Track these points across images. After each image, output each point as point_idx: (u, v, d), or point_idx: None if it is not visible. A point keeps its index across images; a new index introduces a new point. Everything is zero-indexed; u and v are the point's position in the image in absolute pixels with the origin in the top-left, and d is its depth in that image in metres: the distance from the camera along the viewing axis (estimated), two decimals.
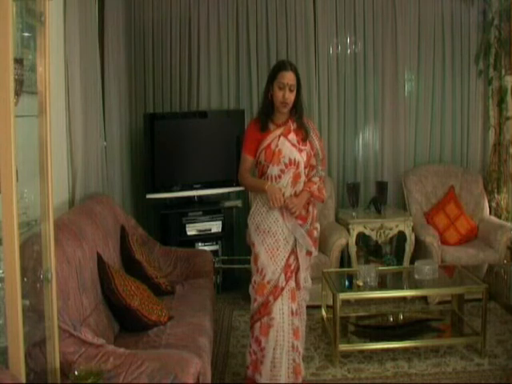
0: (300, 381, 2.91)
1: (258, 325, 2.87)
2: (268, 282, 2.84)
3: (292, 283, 2.89)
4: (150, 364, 2.07)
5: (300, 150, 2.89)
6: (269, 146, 2.86)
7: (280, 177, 2.87)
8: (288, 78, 2.82)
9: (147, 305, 2.83)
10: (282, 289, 2.85)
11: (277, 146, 2.86)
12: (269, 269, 2.84)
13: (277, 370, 2.83)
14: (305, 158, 2.91)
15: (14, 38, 1.67)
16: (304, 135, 2.92)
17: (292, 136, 2.89)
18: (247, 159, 2.94)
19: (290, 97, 2.84)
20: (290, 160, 2.86)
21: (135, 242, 3.40)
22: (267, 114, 2.92)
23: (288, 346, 2.84)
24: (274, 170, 2.86)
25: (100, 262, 2.81)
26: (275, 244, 2.86)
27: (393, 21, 5.09)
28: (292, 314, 2.86)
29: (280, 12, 5.01)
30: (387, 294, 3.87)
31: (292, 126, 2.92)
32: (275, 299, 2.83)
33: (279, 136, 2.88)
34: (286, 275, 2.86)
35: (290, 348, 2.85)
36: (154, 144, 4.55)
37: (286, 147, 2.86)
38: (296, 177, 2.89)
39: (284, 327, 2.83)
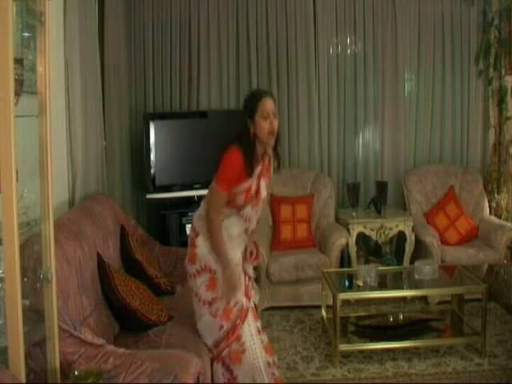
0: None
1: (226, 353, 2.67)
2: (235, 305, 2.66)
3: (252, 302, 2.80)
4: (150, 364, 2.07)
5: (268, 186, 2.79)
6: (249, 189, 2.65)
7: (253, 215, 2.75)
8: (270, 104, 2.63)
9: (147, 305, 2.82)
10: (247, 310, 2.71)
11: (257, 189, 2.68)
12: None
13: None
14: None
15: (14, 38, 1.67)
16: (272, 168, 2.80)
17: (267, 174, 2.76)
18: (224, 196, 2.64)
19: (276, 124, 2.64)
20: (263, 199, 2.75)
21: (135, 242, 3.40)
22: (253, 154, 2.64)
23: (264, 365, 2.71)
24: (251, 212, 2.71)
25: (100, 261, 2.81)
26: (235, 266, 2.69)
27: (393, 21, 5.10)
28: (259, 332, 2.76)
29: (280, 12, 5.01)
30: (387, 294, 3.87)
31: (266, 160, 2.74)
32: (243, 321, 2.68)
33: (259, 177, 2.68)
34: (246, 296, 2.73)
35: (266, 366, 2.72)
36: (153, 144, 4.55)
37: (264, 189, 2.72)
38: (260, 210, 2.81)
39: (256, 349, 2.70)
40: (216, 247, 2.64)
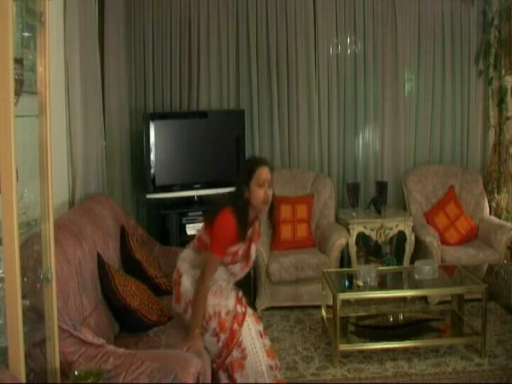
0: None
1: (228, 362, 2.67)
2: (227, 314, 2.70)
3: (250, 309, 2.83)
4: (150, 364, 2.07)
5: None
6: (237, 252, 2.72)
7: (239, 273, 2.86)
8: (266, 173, 2.68)
9: (147, 305, 2.82)
10: (244, 314, 2.73)
11: (247, 252, 2.78)
12: (222, 304, 2.72)
13: None
14: None
15: (14, 38, 1.67)
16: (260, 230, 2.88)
17: (257, 238, 2.85)
18: (218, 262, 2.70)
19: (270, 193, 2.70)
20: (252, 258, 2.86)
21: (135, 242, 3.40)
22: (246, 219, 2.69)
23: (266, 369, 2.71)
24: (239, 272, 2.81)
25: (100, 261, 2.81)
26: (218, 288, 2.77)
27: (393, 21, 5.10)
28: (261, 336, 2.77)
29: (280, 12, 5.01)
30: (387, 294, 3.87)
31: (256, 226, 2.81)
32: (241, 325, 2.69)
33: (249, 241, 2.77)
34: (241, 305, 2.77)
35: (268, 369, 2.72)
36: (153, 144, 4.55)
37: (253, 252, 2.82)
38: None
39: (258, 352, 2.70)
40: (195, 308, 2.66)
